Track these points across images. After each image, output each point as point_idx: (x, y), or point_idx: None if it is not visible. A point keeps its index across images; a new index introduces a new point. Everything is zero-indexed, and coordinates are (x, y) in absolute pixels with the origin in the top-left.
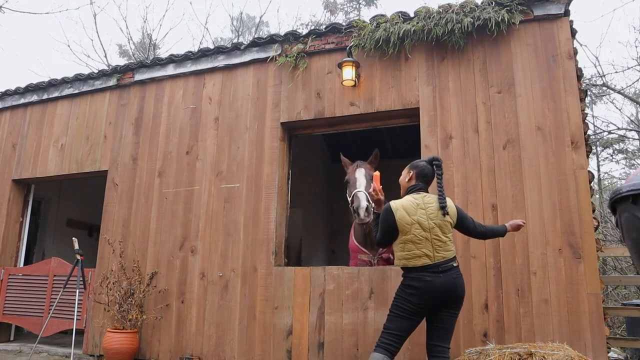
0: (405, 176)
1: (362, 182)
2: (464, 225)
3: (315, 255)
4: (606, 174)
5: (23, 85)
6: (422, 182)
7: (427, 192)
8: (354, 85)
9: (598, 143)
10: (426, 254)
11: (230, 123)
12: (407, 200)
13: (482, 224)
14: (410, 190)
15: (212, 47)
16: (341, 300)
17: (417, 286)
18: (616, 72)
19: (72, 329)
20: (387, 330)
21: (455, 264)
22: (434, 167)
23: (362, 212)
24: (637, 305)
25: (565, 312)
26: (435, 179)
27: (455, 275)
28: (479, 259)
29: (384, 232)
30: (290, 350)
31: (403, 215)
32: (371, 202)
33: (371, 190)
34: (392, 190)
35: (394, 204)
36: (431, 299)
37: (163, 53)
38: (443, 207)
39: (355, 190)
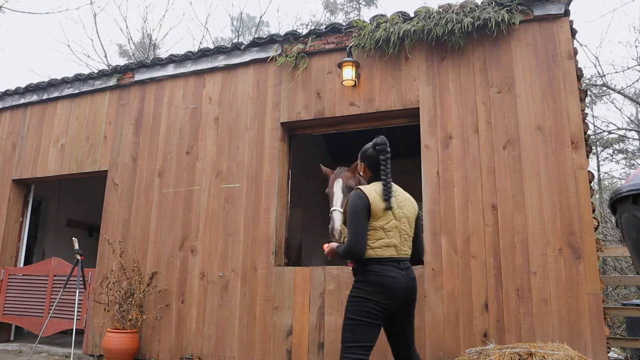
0: (361, 169)
1: (338, 198)
2: (415, 227)
3: (315, 255)
4: (606, 174)
5: (23, 85)
6: (377, 171)
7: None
8: (354, 85)
9: (598, 143)
10: (394, 244)
11: (230, 123)
12: (377, 185)
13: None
14: (370, 182)
15: (212, 47)
16: (341, 300)
17: (381, 282)
18: (616, 72)
19: (72, 329)
20: (354, 343)
21: (409, 264)
22: (378, 151)
23: (336, 234)
24: (637, 305)
25: (565, 312)
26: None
27: (412, 276)
28: (479, 259)
29: (359, 222)
30: (290, 350)
31: (376, 198)
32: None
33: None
34: None
35: (364, 188)
36: (395, 298)
37: (163, 53)
38: (387, 200)
39: (331, 209)
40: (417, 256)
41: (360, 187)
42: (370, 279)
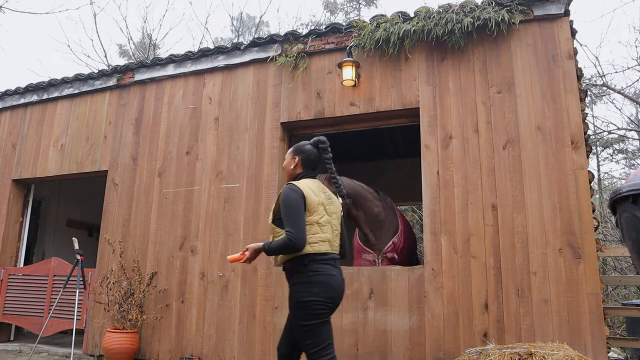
0: (290, 162)
1: None
2: (340, 223)
3: None
4: (606, 174)
5: (23, 85)
6: (309, 169)
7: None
8: (354, 85)
9: (598, 143)
10: (329, 239)
11: (230, 123)
12: (308, 181)
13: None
14: (297, 179)
15: (212, 47)
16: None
17: (326, 282)
18: (616, 72)
19: (72, 329)
20: (319, 346)
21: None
22: (320, 150)
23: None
24: (637, 305)
25: (565, 312)
26: (326, 165)
27: (342, 275)
28: (479, 259)
29: (300, 214)
30: None
31: (310, 193)
32: None
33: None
34: (389, 189)
35: (297, 182)
36: (337, 297)
37: (163, 53)
38: (343, 195)
39: None
40: (342, 253)
41: (291, 182)
42: (314, 279)
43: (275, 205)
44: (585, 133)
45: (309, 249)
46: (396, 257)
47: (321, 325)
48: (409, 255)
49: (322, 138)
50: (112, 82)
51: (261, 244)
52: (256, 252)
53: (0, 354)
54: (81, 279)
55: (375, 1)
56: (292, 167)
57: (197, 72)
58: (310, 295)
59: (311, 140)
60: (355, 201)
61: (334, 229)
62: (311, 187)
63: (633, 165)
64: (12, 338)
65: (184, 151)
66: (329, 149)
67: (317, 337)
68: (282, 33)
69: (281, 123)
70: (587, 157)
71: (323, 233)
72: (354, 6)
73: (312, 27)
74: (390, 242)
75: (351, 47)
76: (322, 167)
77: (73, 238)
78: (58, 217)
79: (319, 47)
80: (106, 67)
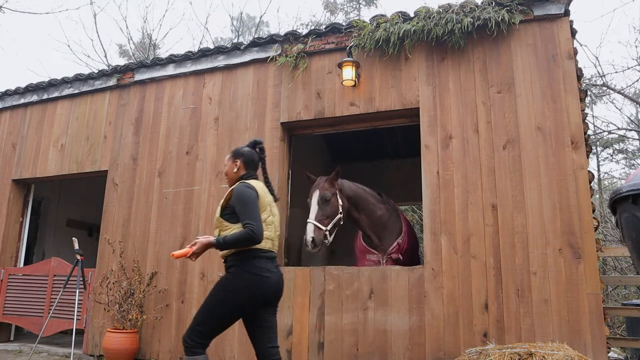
0: (232, 167)
1: (313, 210)
2: None
3: (315, 255)
4: (606, 174)
5: (23, 85)
6: (252, 169)
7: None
8: (354, 85)
9: (598, 143)
10: (272, 238)
11: (230, 123)
12: (255, 181)
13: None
14: (243, 179)
15: (212, 47)
16: (341, 300)
17: (258, 282)
18: (616, 72)
19: (72, 329)
20: (207, 329)
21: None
22: (258, 150)
23: (309, 244)
24: (637, 305)
25: (565, 312)
26: (260, 164)
27: (281, 272)
28: (479, 259)
29: (257, 208)
30: (290, 350)
31: (262, 192)
32: (324, 229)
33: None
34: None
35: (250, 181)
36: (266, 298)
37: (163, 53)
38: (274, 195)
39: (307, 220)
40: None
41: (244, 180)
42: (254, 271)
43: (223, 201)
44: (585, 133)
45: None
46: (401, 257)
47: (229, 316)
48: (412, 256)
49: (259, 139)
50: (112, 82)
51: (212, 238)
52: (205, 247)
53: (0, 354)
54: (81, 279)
55: (375, 1)
56: (234, 170)
57: (197, 72)
58: (238, 283)
59: (248, 142)
60: (357, 204)
61: (276, 229)
62: (262, 188)
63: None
64: (12, 338)
65: (184, 151)
66: (265, 150)
67: (214, 323)
68: (282, 33)
69: (281, 123)
70: (587, 157)
71: (268, 231)
72: (354, 6)
73: (312, 27)
74: (395, 244)
75: (351, 47)
76: (259, 169)
77: (73, 238)
78: (58, 217)
79: (319, 47)
80: (106, 67)
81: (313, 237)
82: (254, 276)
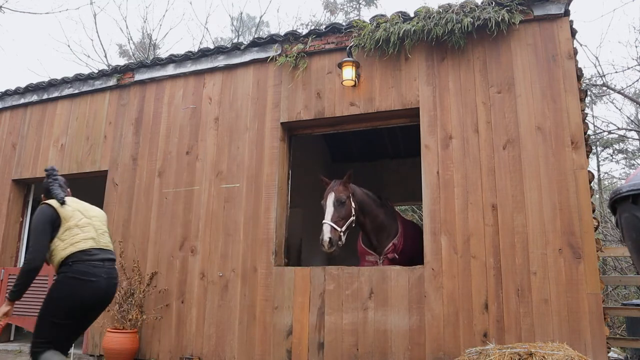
0: (43, 199)
1: (329, 211)
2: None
3: (315, 255)
4: (606, 174)
5: (23, 85)
6: (49, 196)
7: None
8: (354, 85)
9: (598, 143)
10: (92, 237)
11: (230, 123)
12: (53, 200)
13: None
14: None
15: (212, 47)
16: (341, 300)
17: (89, 280)
18: (616, 72)
19: None
20: (54, 340)
21: (114, 260)
22: (47, 176)
23: (325, 245)
24: (637, 305)
25: (565, 312)
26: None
27: (113, 276)
28: (479, 259)
29: (39, 235)
30: (290, 350)
31: (60, 207)
32: (339, 230)
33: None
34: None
35: (48, 201)
36: (95, 299)
37: (163, 53)
38: (63, 202)
39: (322, 221)
40: None
41: (43, 202)
42: (71, 282)
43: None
44: (585, 133)
45: (72, 249)
46: (397, 257)
47: (62, 321)
48: (413, 255)
49: (48, 167)
50: (112, 82)
51: (6, 298)
52: (6, 313)
53: (0, 354)
54: None
55: (375, 1)
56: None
57: (197, 72)
58: (65, 289)
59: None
60: (364, 209)
61: (97, 229)
62: (67, 200)
63: (633, 165)
64: (12, 338)
65: (184, 151)
66: (53, 174)
67: (52, 329)
68: (282, 33)
69: (281, 123)
70: (587, 157)
71: (84, 233)
72: (354, 6)
73: (312, 27)
74: (391, 244)
75: (351, 47)
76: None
77: None
78: None
79: (319, 47)
80: (106, 67)
81: (330, 238)
82: (75, 281)
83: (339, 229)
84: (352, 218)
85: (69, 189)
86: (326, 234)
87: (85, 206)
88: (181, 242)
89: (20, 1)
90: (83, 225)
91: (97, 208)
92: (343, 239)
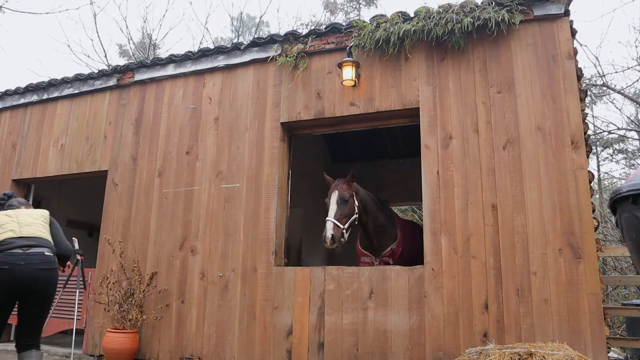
0: None
1: (332, 209)
2: (53, 229)
3: (315, 255)
4: (606, 174)
5: (23, 85)
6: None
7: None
8: (354, 85)
9: (598, 143)
10: (12, 229)
11: (230, 123)
12: None
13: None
14: None
15: (212, 47)
16: (341, 300)
17: (2, 268)
18: (616, 72)
19: (72, 329)
20: None
21: (48, 253)
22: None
23: (328, 241)
24: (637, 305)
25: (565, 312)
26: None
27: (34, 262)
28: (479, 259)
29: None
30: (290, 350)
31: None
32: (342, 227)
33: None
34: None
35: None
36: (14, 285)
37: (163, 53)
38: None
39: (325, 218)
40: (61, 252)
41: None
42: None
43: None
44: (585, 133)
45: None
46: (391, 262)
47: None
48: (411, 258)
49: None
50: (112, 82)
51: None
52: None
53: (0, 354)
54: (81, 279)
55: (375, 1)
56: None
57: (197, 72)
58: None
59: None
60: (365, 208)
61: (20, 222)
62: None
63: (633, 165)
64: (12, 338)
65: (184, 151)
66: (5, 198)
67: None
68: (282, 33)
69: (281, 123)
70: (587, 157)
71: (2, 229)
72: (354, 6)
73: (312, 27)
74: (389, 249)
75: (351, 47)
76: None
77: (73, 238)
78: (58, 217)
79: (319, 47)
80: (106, 67)
81: (332, 234)
82: None
83: (341, 226)
84: (355, 216)
85: (22, 206)
86: (329, 231)
87: (19, 211)
88: (181, 242)
89: (20, 1)
90: (4, 223)
91: (39, 210)
92: (345, 236)
